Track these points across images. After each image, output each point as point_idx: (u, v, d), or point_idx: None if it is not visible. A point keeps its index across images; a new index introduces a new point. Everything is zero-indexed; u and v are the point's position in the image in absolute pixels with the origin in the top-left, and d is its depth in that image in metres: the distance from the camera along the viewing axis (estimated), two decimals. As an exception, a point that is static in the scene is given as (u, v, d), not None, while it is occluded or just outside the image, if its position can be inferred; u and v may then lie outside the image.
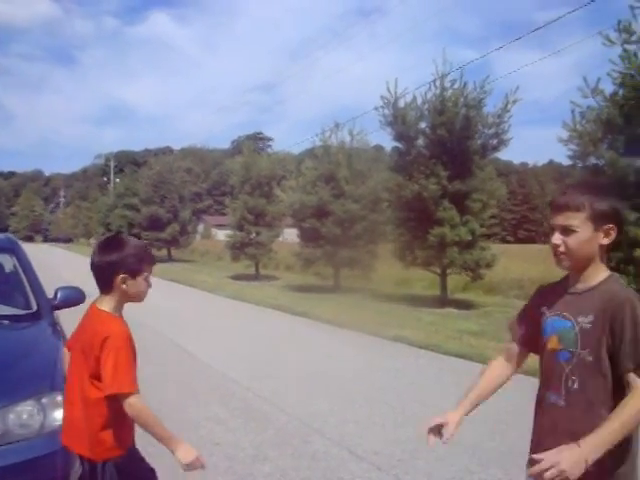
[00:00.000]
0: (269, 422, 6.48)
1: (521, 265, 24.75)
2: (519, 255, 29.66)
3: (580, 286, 2.39)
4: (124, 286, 2.91)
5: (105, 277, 2.92)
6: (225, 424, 6.38)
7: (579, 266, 2.38)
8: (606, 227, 2.32)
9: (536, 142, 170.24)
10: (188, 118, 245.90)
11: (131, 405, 2.81)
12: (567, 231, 2.33)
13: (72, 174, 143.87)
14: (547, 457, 2.12)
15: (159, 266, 34.57)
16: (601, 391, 2.26)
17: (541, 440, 2.42)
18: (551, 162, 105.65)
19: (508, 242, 50.22)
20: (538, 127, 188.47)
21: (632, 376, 2.21)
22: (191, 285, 23.63)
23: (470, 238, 16.68)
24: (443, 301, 17.68)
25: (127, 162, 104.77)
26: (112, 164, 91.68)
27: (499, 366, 2.77)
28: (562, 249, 2.35)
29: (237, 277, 27.66)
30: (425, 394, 7.83)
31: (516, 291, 20.02)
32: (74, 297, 5.68)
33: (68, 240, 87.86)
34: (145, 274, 2.96)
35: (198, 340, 11.55)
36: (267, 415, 6.72)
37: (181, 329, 12.92)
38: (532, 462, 2.25)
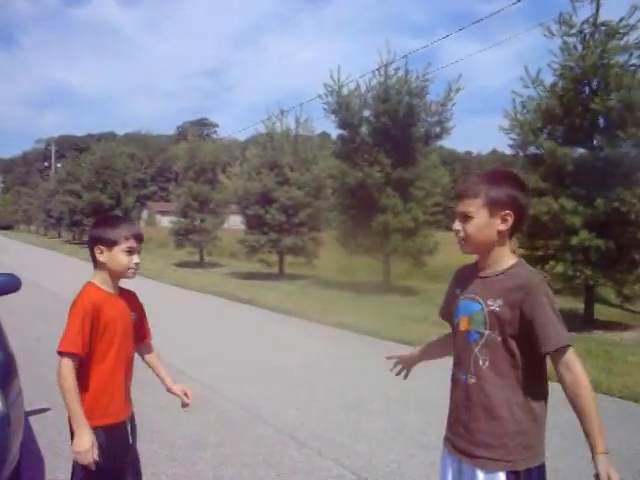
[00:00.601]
0: (210, 409, 6.46)
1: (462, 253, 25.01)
2: (461, 242, 30.00)
3: (489, 271, 2.47)
4: (102, 258, 3.02)
5: (90, 251, 3.08)
6: (165, 411, 6.33)
7: (480, 251, 2.49)
8: (502, 213, 2.41)
9: (480, 131, 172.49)
10: (132, 103, 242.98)
11: (59, 366, 2.85)
12: (465, 217, 2.45)
13: (11, 159, 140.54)
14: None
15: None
16: (511, 368, 2.35)
17: (458, 416, 2.52)
18: (494, 151, 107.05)
19: (451, 230, 50.63)
20: (482, 116, 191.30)
21: (556, 360, 2.32)
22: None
23: (413, 225, 16.85)
24: (386, 288, 17.84)
25: (69, 147, 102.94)
26: (53, 149, 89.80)
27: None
28: (462, 235, 2.47)
29: (181, 264, 27.42)
30: (366, 379, 7.90)
31: (458, 278, 20.23)
32: (8, 284, 5.52)
33: (8, 227, 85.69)
34: (123, 246, 2.98)
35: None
36: (208, 401, 6.68)
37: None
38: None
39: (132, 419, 3.17)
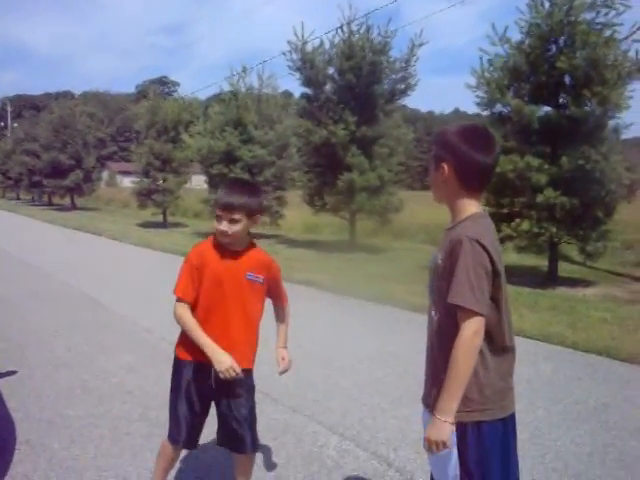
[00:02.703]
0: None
1: (427, 211, 25.23)
2: (425, 201, 30.18)
3: (449, 224, 2.52)
4: None
5: None
6: (137, 372, 6.30)
7: (437, 200, 2.57)
8: (440, 165, 2.46)
9: (443, 91, 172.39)
10: (89, 61, 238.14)
11: (174, 308, 3.27)
12: (429, 167, 2.59)
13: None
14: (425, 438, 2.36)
15: (61, 214, 33.53)
16: (450, 321, 2.34)
17: (426, 363, 2.60)
18: (457, 110, 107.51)
19: (414, 189, 50.92)
20: (445, 76, 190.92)
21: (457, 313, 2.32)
22: (96, 233, 23.01)
23: (379, 184, 16.87)
24: (352, 246, 17.89)
25: (26, 106, 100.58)
26: (9, 108, 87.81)
27: None
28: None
29: (144, 225, 27.14)
30: (335, 336, 7.94)
31: (423, 236, 20.46)
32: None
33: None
34: (216, 212, 3.25)
35: (106, 288, 11.31)
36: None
37: (88, 277, 12.60)
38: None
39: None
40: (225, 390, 3.30)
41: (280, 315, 3.72)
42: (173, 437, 3.41)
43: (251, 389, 3.44)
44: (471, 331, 2.25)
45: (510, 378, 2.48)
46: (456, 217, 2.47)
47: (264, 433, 4.73)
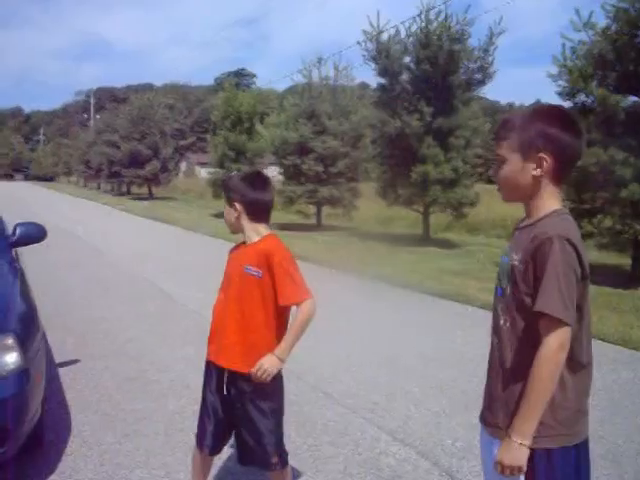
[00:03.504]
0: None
1: (505, 206, 24.54)
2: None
3: (526, 221, 2.21)
4: None
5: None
6: (197, 365, 6.14)
7: (516, 199, 2.22)
8: (537, 156, 2.10)
9: (523, 82, 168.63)
10: (169, 54, 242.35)
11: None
12: (499, 162, 2.20)
13: (52, 111, 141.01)
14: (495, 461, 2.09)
15: (138, 204, 34.15)
16: (530, 331, 2.07)
17: (489, 377, 2.28)
18: (538, 102, 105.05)
19: (493, 182, 49.92)
20: (526, 66, 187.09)
21: (538, 326, 2.03)
22: (170, 223, 23.24)
23: (453, 176, 16.45)
24: (425, 240, 17.51)
25: (108, 98, 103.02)
26: (92, 100, 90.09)
27: None
28: (497, 181, 2.24)
29: (218, 215, 27.26)
30: (402, 334, 7.65)
31: (499, 230, 19.87)
32: (35, 233, 5.40)
33: (49, 178, 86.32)
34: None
35: (174, 278, 11.30)
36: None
37: (157, 267, 12.65)
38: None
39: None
40: (239, 398, 3.09)
41: (293, 320, 3.08)
42: (198, 441, 3.25)
43: (272, 397, 3.12)
44: (557, 344, 1.98)
45: (586, 399, 2.17)
46: (536, 213, 2.15)
47: (320, 435, 4.52)
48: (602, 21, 11.33)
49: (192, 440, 4.22)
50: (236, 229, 3.20)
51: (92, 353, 6.55)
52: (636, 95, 11.23)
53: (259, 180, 3.23)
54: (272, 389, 3.08)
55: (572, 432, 2.10)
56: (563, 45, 11.53)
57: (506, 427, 2.09)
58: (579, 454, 2.12)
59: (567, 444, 2.09)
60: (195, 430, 3.30)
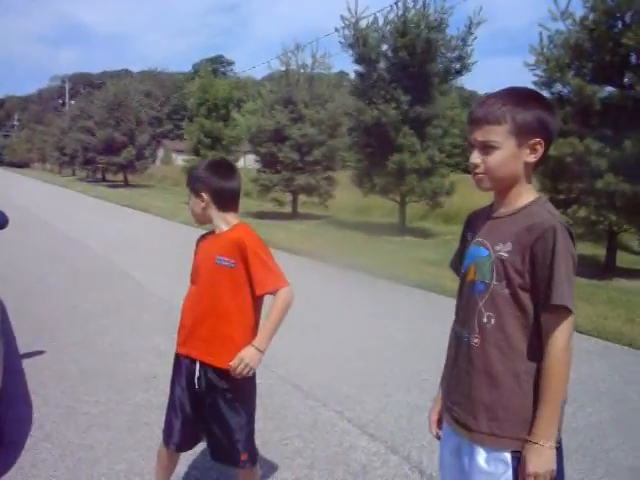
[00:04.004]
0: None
1: (480, 194, 24.53)
2: (479, 185, 29.51)
3: (503, 210, 2.08)
4: None
5: None
6: (165, 356, 6.02)
7: (501, 187, 2.07)
8: (532, 142, 1.99)
9: (502, 72, 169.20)
10: (147, 40, 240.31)
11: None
12: (487, 148, 2.01)
13: (27, 96, 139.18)
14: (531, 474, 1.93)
15: (113, 191, 33.80)
16: (520, 328, 1.97)
17: (459, 382, 2.14)
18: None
19: (469, 172, 50.08)
20: (502, 56, 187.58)
21: (546, 320, 1.94)
22: (145, 210, 23.01)
23: (430, 165, 16.39)
24: (401, 229, 17.48)
25: (84, 84, 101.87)
26: (67, 86, 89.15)
27: None
28: (482, 169, 2.04)
29: (194, 203, 27.07)
30: (377, 325, 7.57)
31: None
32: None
33: (23, 165, 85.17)
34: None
35: (147, 267, 11.14)
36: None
37: (130, 256, 12.47)
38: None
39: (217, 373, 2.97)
40: (210, 393, 2.97)
41: (269, 309, 2.95)
42: (165, 438, 3.12)
43: (244, 393, 3.01)
44: (568, 335, 1.92)
45: None
46: (515, 201, 2.05)
47: (289, 428, 4.43)
48: (580, 11, 11.31)
49: (158, 434, 4.10)
50: (203, 220, 3.06)
51: (59, 344, 6.40)
52: (612, 86, 11.19)
53: (225, 167, 3.10)
54: (244, 384, 2.96)
55: (561, 426, 2.02)
56: (540, 34, 11.48)
57: (510, 436, 1.98)
58: (561, 449, 2.04)
59: (560, 438, 2.01)
60: (161, 424, 3.19)
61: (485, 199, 2.24)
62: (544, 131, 2.00)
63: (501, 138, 1.98)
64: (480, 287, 2.05)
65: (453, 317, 2.30)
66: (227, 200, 3.01)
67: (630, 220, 11.09)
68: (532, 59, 11.56)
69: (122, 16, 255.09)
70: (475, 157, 2.03)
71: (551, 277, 1.89)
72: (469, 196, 21.18)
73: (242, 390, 2.98)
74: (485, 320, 2.03)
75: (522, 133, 1.97)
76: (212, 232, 3.08)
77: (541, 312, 1.94)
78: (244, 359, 2.83)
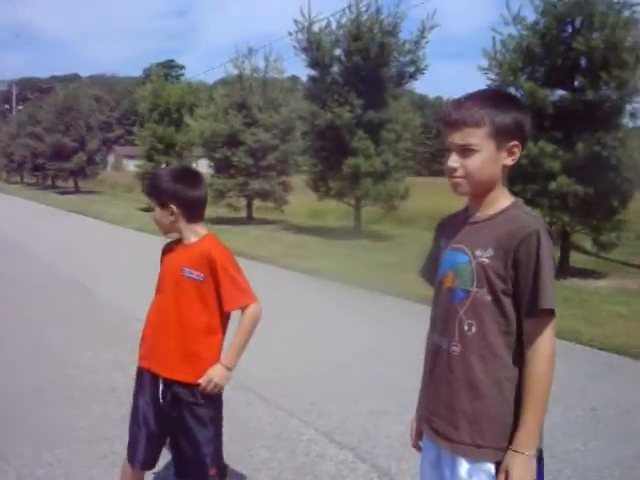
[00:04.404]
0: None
1: (432, 197, 24.77)
2: (433, 188, 29.77)
3: (480, 215, 2.04)
4: None
5: None
6: (124, 368, 5.89)
7: (479, 192, 2.02)
8: (510, 145, 1.97)
9: (452, 77, 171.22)
10: (96, 44, 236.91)
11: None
12: (466, 151, 1.96)
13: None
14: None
15: (63, 198, 33.19)
16: (501, 335, 1.94)
17: (438, 392, 2.08)
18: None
19: (422, 175, 50.50)
20: (454, 62, 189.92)
21: (530, 325, 1.92)
22: (96, 217, 22.63)
23: (384, 169, 16.45)
24: (357, 233, 17.49)
25: (32, 89, 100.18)
26: (14, 90, 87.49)
27: None
28: (460, 173, 1.99)
29: (147, 209, 26.71)
30: (337, 329, 7.53)
31: (428, 223, 19.99)
32: None
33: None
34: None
35: (101, 276, 10.93)
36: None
37: (83, 264, 12.23)
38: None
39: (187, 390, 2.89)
40: (175, 407, 2.89)
41: (238, 325, 2.92)
42: (129, 456, 2.99)
43: (211, 405, 2.94)
44: (553, 339, 1.90)
45: None
46: (493, 205, 2.02)
47: (254, 439, 4.35)
48: (531, 16, 11.48)
49: (119, 449, 4.00)
50: (169, 231, 2.97)
51: (10, 357, 6.21)
52: (564, 89, 11.38)
53: (192, 177, 3.00)
54: (211, 396, 2.90)
55: (540, 435, 1.99)
56: (494, 38, 11.61)
57: (493, 446, 1.94)
58: (542, 456, 2.02)
59: (541, 446, 1.99)
60: (123, 438, 3.09)
61: (439, 203, 2.21)
62: (521, 134, 1.98)
63: (480, 141, 1.94)
64: (460, 294, 2.00)
65: (416, 322, 2.26)
66: (196, 211, 2.93)
67: (582, 221, 11.28)
68: (485, 63, 11.70)
69: (70, 20, 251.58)
70: (453, 161, 1.99)
71: (537, 282, 1.87)
72: (423, 200, 21.42)
73: (209, 402, 2.91)
74: (466, 328, 1.98)
75: (501, 136, 1.95)
76: (179, 241, 2.99)
77: (525, 317, 1.91)
78: (213, 378, 2.79)
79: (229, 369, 2.84)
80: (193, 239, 2.91)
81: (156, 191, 2.92)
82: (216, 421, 2.96)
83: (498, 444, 1.93)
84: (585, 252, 13.59)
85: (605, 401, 5.31)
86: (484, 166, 1.96)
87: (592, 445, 4.39)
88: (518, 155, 1.98)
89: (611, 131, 10.65)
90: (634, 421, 4.91)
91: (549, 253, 1.88)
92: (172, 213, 2.87)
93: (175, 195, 2.86)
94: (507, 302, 1.93)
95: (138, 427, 2.95)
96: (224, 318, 2.91)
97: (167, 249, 3.05)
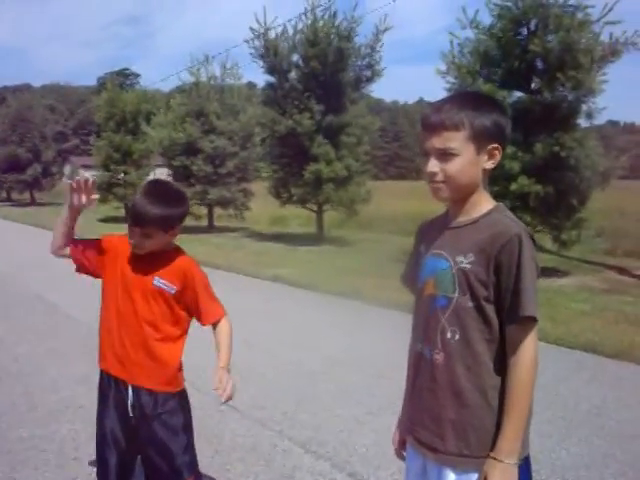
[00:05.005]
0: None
1: (393, 201, 24.92)
2: (391, 192, 29.95)
3: (461, 219, 2.00)
4: None
5: None
6: (90, 383, 5.76)
7: (460, 196, 1.99)
8: (490, 147, 1.94)
9: (407, 80, 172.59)
10: (49, 53, 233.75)
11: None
12: (445, 155, 1.93)
13: None
14: None
15: (19, 210, 32.59)
16: (485, 342, 1.90)
17: (421, 401, 2.04)
18: (421, 100, 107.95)
19: (380, 179, 50.76)
20: (409, 65, 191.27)
21: (512, 331, 1.88)
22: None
23: (346, 174, 16.48)
24: (320, 239, 17.48)
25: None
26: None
27: None
28: (440, 177, 1.94)
29: (105, 220, 26.37)
30: (304, 336, 7.49)
31: (390, 226, 20.12)
32: None
33: None
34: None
35: (63, 290, 10.71)
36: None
37: (44, 278, 11.99)
38: None
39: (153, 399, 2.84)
40: (145, 419, 2.81)
41: (216, 336, 2.95)
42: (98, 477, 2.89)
43: (181, 412, 2.89)
44: (535, 345, 1.87)
45: None
46: (474, 209, 1.98)
47: (229, 452, 4.28)
48: (487, 19, 11.58)
49: (89, 470, 3.90)
50: (150, 250, 2.81)
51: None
52: (521, 91, 11.50)
53: (178, 192, 2.94)
54: (179, 403, 2.85)
55: (526, 442, 1.97)
56: (451, 42, 11.70)
57: (479, 455, 1.90)
58: (529, 462, 2.00)
59: (525, 454, 1.95)
60: (92, 457, 2.99)
61: (400, 207, 2.17)
62: (501, 136, 1.96)
63: (460, 144, 1.91)
64: (442, 301, 1.96)
65: (384, 327, 2.22)
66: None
67: (543, 220, 11.40)
68: (443, 66, 11.78)
69: (21, 28, 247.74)
70: (433, 165, 1.95)
71: (518, 288, 1.84)
72: (382, 204, 21.51)
73: (179, 410, 2.86)
74: (449, 335, 1.94)
75: (480, 139, 1.92)
76: None
77: (507, 324, 1.88)
78: (223, 379, 2.77)
79: (228, 371, 2.85)
80: (166, 248, 2.85)
81: (156, 220, 2.71)
82: (188, 428, 2.91)
83: (485, 454, 1.89)
84: (546, 251, 13.76)
85: (576, 399, 5.36)
86: (464, 170, 1.92)
87: (567, 444, 4.41)
88: (499, 158, 1.96)
89: (569, 131, 10.80)
90: (606, 418, 4.95)
91: (531, 258, 1.85)
92: (173, 235, 2.83)
93: (177, 218, 2.80)
94: (489, 308, 1.90)
95: (107, 447, 2.84)
96: (186, 328, 2.93)
97: (125, 252, 2.89)
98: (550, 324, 7.74)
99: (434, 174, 1.95)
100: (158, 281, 2.77)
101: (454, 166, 1.92)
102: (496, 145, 1.94)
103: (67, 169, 66.66)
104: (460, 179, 1.94)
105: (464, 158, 1.92)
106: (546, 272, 11.99)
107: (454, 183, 1.94)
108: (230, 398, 2.77)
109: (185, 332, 2.91)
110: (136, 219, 2.72)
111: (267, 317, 8.60)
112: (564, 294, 9.92)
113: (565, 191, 11.08)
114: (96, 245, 2.96)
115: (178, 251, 2.89)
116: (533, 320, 1.85)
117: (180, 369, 2.90)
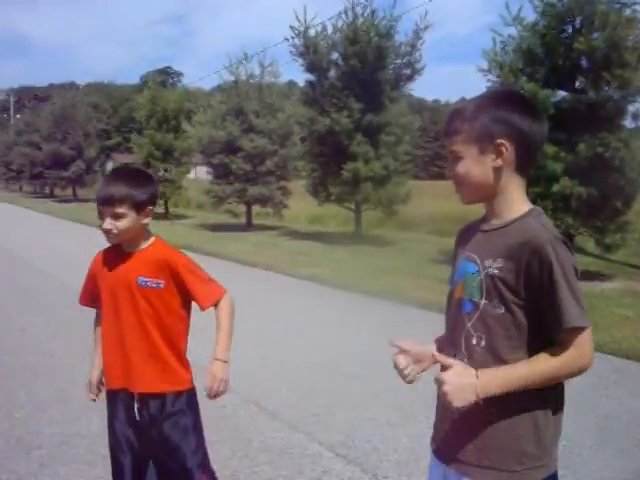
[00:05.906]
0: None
1: (433, 201, 24.69)
2: (431, 191, 29.71)
3: (494, 222, 1.92)
4: None
5: None
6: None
7: (477, 197, 1.96)
8: (495, 143, 1.84)
9: (449, 79, 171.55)
10: (93, 52, 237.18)
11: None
12: (455, 159, 1.92)
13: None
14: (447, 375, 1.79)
15: (61, 206, 33.05)
16: (511, 350, 1.80)
17: (445, 410, 1.94)
18: (463, 99, 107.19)
19: (421, 178, 50.44)
20: (452, 64, 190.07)
21: (563, 338, 1.78)
22: (94, 225, 22.46)
23: (385, 173, 16.34)
24: (358, 238, 17.35)
25: (29, 98, 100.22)
26: (12, 99, 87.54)
27: None
28: (455, 180, 1.96)
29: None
30: (340, 337, 7.39)
31: (429, 226, 19.92)
32: None
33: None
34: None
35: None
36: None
37: (82, 275, 12.08)
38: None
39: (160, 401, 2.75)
40: (154, 421, 2.74)
41: (216, 318, 2.80)
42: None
43: (189, 412, 2.80)
44: (590, 346, 1.82)
45: (562, 415, 1.91)
46: (506, 212, 1.89)
47: (258, 454, 4.20)
48: (531, 16, 11.35)
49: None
50: (127, 238, 2.74)
51: (5, 371, 6.07)
52: (565, 90, 11.25)
53: (143, 172, 2.94)
54: (188, 403, 2.77)
55: (551, 460, 1.84)
56: (493, 40, 11.49)
57: (497, 467, 1.80)
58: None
59: (550, 473, 1.83)
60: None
61: (439, 207, 2.09)
62: (507, 131, 1.84)
63: (462, 147, 1.89)
64: (468, 306, 1.88)
65: (414, 326, 2.12)
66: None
67: (585, 222, 11.13)
68: (485, 64, 11.57)
69: (67, 27, 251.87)
70: (449, 170, 1.97)
71: (555, 300, 1.73)
72: (422, 203, 21.32)
73: (187, 409, 2.78)
74: (474, 342, 1.86)
75: (481, 138, 1.86)
76: (116, 247, 2.79)
77: (554, 334, 1.78)
78: (217, 374, 2.65)
79: (226, 362, 2.71)
80: (144, 245, 2.76)
81: (129, 195, 2.65)
82: (198, 427, 2.82)
83: (506, 466, 1.80)
84: (588, 254, 13.46)
85: (617, 409, 5.18)
86: (468, 171, 1.89)
87: (606, 455, 4.26)
88: (509, 153, 1.85)
89: (614, 132, 10.52)
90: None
91: (565, 265, 1.74)
92: (147, 215, 2.73)
93: (151, 195, 2.75)
94: (517, 316, 1.80)
95: (121, 450, 2.77)
96: (185, 318, 2.82)
97: (105, 259, 2.83)
98: (593, 329, 7.53)
99: (451, 177, 1.96)
100: (142, 280, 2.69)
101: (460, 168, 1.91)
102: (501, 141, 1.84)
103: (109, 166, 67.65)
104: (467, 180, 1.91)
105: (467, 159, 1.89)
106: (588, 276, 11.71)
107: (464, 184, 1.94)
108: (218, 395, 2.69)
109: (187, 327, 2.83)
110: (103, 197, 2.64)
111: (301, 316, 8.53)
112: (607, 299, 9.65)
113: (609, 193, 10.79)
114: (90, 277, 2.95)
115: (155, 244, 2.79)
116: (579, 328, 1.76)
117: (186, 366, 2.82)
